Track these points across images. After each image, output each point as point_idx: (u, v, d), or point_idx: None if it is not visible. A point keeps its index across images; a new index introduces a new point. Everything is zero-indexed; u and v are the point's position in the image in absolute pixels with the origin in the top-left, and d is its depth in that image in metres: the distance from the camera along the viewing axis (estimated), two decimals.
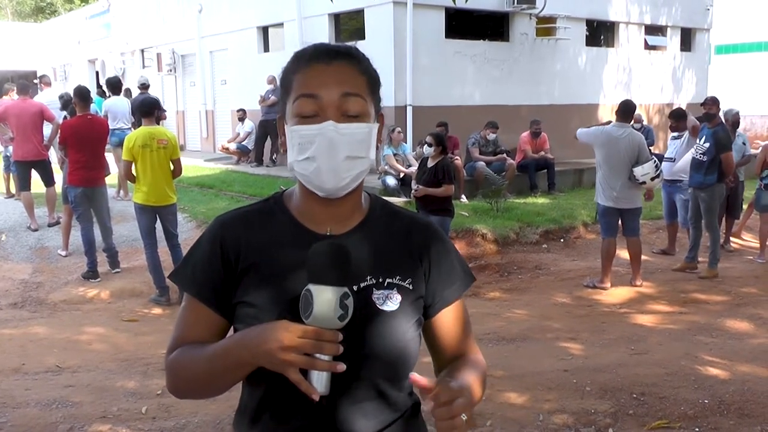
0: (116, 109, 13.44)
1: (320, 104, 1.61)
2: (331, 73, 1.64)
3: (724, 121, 11.31)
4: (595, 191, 9.30)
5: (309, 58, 1.67)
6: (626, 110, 8.98)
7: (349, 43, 1.78)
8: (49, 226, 11.43)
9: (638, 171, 8.60)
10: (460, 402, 1.47)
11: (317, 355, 1.49)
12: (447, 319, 1.82)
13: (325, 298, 1.47)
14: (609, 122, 9.25)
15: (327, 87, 1.62)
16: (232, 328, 1.73)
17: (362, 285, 1.67)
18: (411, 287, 1.72)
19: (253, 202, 1.87)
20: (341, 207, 1.72)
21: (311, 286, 1.49)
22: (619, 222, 9.10)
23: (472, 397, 1.55)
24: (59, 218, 11.46)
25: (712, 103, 9.77)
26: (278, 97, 1.76)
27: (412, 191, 9.20)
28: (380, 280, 1.69)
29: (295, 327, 1.48)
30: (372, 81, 1.70)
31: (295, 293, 1.54)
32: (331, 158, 1.61)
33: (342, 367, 1.50)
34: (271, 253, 1.70)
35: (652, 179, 8.66)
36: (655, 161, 8.70)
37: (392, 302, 1.68)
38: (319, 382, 1.51)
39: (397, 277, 1.71)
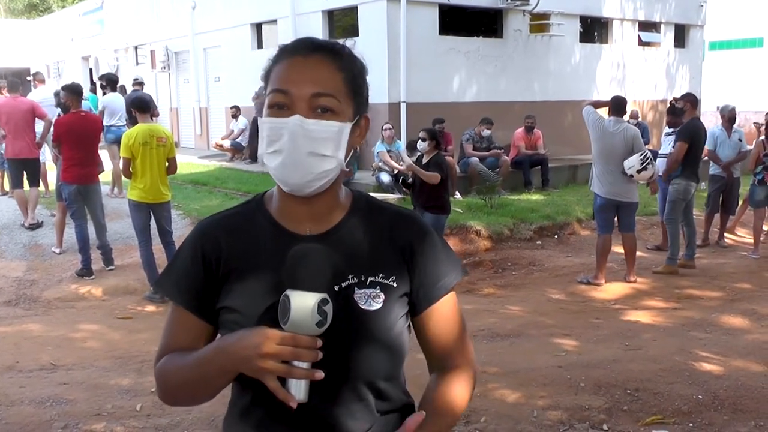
0: (114, 105, 13.41)
1: (290, 99, 1.59)
2: (306, 67, 1.61)
3: (720, 117, 11.41)
4: (590, 183, 9.29)
5: (290, 51, 1.65)
6: (618, 105, 9.01)
7: (345, 41, 1.74)
8: (30, 227, 11.34)
9: (626, 164, 8.63)
10: None
11: (295, 363, 1.47)
12: (435, 316, 1.77)
13: (302, 304, 1.45)
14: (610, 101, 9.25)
15: (298, 84, 1.60)
16: (219, 334, 1.73)
17: (344, 285, 1.64)
18: (395, 284, 1.69)
19: (238, 203, 1.86)
20: (319, 205, 1.69)
21: (289, 292, 1.47)
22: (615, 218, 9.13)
23: None
24: (39, 220, 11.44)
25: (687, 100, 9.87)
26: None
27: (407, 180, 9.18)
28: (362, 278, 1.66)
29: (273, 333, 1.46)
30: (351, 79, 1.65)
31: (275, 297, 1.51)
32: (294, 152, 1.58)
33: (320, 375, 1.48)
34: (251, 257, 1.69)
35: (639, 171, 8.64)
36: (642, 153, 8.64)
37: (375, 302, 1.65)
38: (297, 389, 1.49)
39: (380, 275, 1.68)
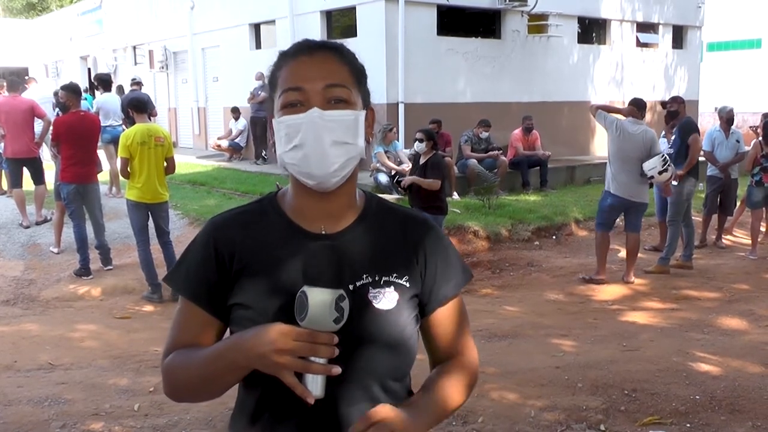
0: (108, 106, 13.40)
1: (305, 95, 1.62)
2: (314, 64, 1.65)
3: (718, 118, 11.45)
4: (604, 183, 9.31)
5: (293, 53, 1.69)
6: (639, 106, 9.03)
7: (340, 41, 1.78)
8: (37, 224, 11.40)
9: (645, 166, 8.66)
10: None
11: (312, 358, 1.48)
12: (444, 317, 1.81)
13: (320, 301, 1.46)
14: (629, 108, 9.23)
15: (311, 79, 1.63)
16: (228, 330, 1.73)
17: (358, 284, 1.66)
18: (407, 284, 1.71)
19: (247, 201, 1.86)
20: (334, 203, 1.71)
21: (306, 288, 1.48)
22: (620, 218, 9.17)
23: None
24: (47, 217, 11.45)
25: (675, 101, 9.94)
26: (267, 95, 1.76)
27: (401, 180, 9.22)
28: (376, 278, 1.68)
29: (290, 329, 1.47)
30: (356, 72, 1.70)
31: (290, 294, 1.52)
32: (317, 144, 1.61)
33: (337, 370, 1.49)
34: (264, 253, 1.69)
35: (660, 173, 8.69)
36: (663, 156, 8.73)
37: (389, 300, 1.67)
38: (314, 385, 1.50)
39: (394, 275, 1.70)
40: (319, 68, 1.65)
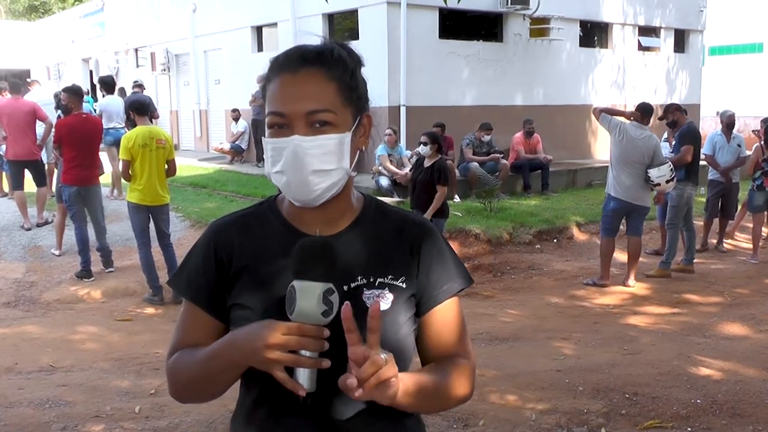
0: (111, 108, 13.41)
1: (287, 120, 1.61)
2: (296, 85, 1.63)
3: (720, 122, 11.47)
4: (606, 186, 9.32)
5: (279, 67, 1.67)
6: (645, 112, 9.02)
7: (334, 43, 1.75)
8: (38, 226, 11.41)
9: (653, 173, 8.65)
10: (369, 372, 1.45)
11: (302, 352, 1.49)
12: (436, 319, 1.78)
13: (307, 294, 1.47)
14: (634, 111, 9.21)
15: (292, 103, 1.61)
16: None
17: (353, 285, 1.67)
18: (404, 285, 1.71)
19: (249, 204, 1.88)
20: (329, 209, 1.72)
21: (295, 282, 1.50)
22: (622, 222, 9.17)
23: (390, 382, 1.49)
24: (48, 219, 11.45)
25: (675, 109, 9.98)
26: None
27: (403, 171, 9.19)
28: (371, 279, 1.69)
29: (280, 324, 1.49)
30: (344, 86, 1.66)
31: (285, 294, 1.53)
32: (298, 173, 1.61)
33: (327, 363, 1.50)
34: (262, 255, 1.71)
35: (667, 182, 8.73)
36: (670, 164, 8.76)
37: (384, 302, 1.67)
38: (305, 378, 1.51)
39: (389, 276, 1.70)
40: (302, 91, 1.62)
